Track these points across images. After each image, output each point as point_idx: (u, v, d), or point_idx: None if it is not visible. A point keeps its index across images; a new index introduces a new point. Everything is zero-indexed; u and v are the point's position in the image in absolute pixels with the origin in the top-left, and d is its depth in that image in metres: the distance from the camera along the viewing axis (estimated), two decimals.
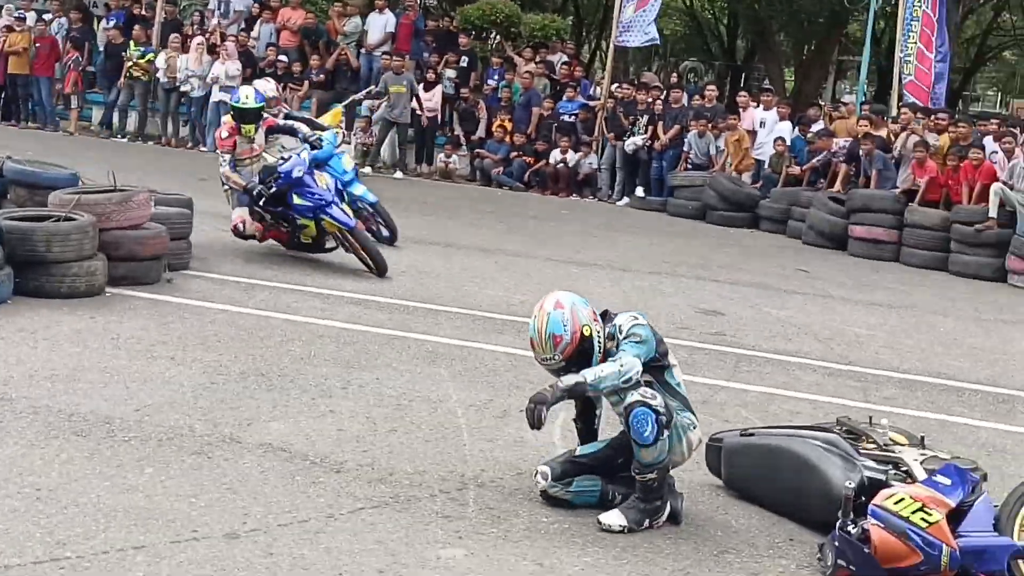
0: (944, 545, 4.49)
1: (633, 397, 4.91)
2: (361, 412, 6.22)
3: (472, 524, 4.87)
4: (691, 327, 9.25)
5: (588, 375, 4.88)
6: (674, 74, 28.57)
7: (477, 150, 19.31)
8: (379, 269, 10.00)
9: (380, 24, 20.19)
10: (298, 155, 9.90)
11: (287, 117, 11.68)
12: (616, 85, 19.24)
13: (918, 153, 14.77)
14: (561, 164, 18.44)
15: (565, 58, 21.18)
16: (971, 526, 4.62)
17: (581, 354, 4.99)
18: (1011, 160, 14.10)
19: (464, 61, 20.31)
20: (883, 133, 15.82)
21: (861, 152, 15.41)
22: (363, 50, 20.29)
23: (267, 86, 12.04)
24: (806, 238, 15.62)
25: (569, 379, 4.91)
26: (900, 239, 14.77)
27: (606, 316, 5.18)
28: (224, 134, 10.25)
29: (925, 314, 11.20)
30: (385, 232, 11.56)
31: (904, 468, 5.05)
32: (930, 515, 4.55)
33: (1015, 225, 13.61)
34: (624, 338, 5.03)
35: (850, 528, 4.58)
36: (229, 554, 4.34)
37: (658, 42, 21.64)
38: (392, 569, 4.36)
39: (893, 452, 5.16)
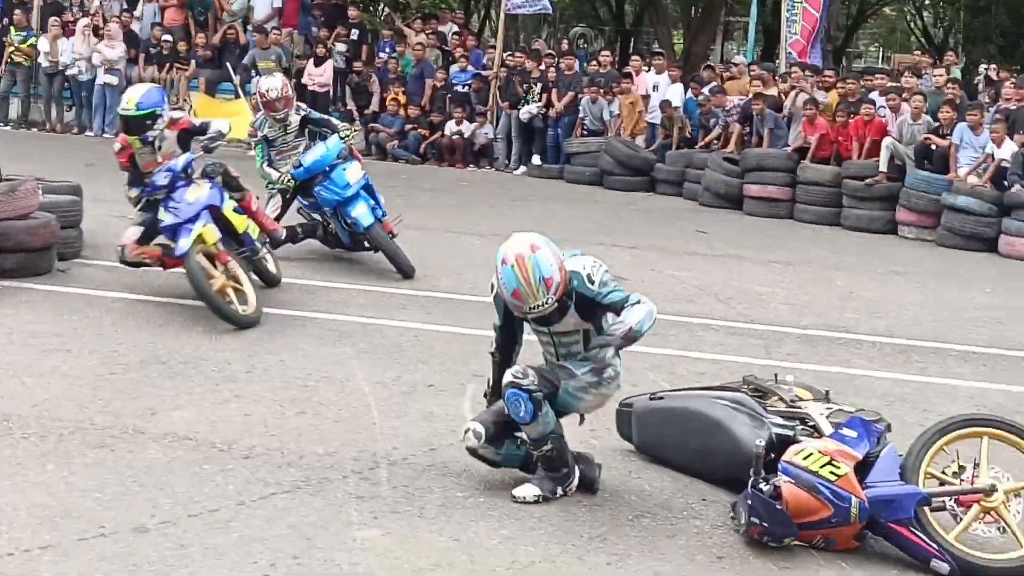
0: (853, 497, 4.57)
1: (506, 378, 4.91)
2: (267, 396, 6.12)
3: (387, 503, 4.83)
4: None
5: (631, 321, 4.78)
6: (564, 40, 28.57)
7: (371, 124, 19.12)
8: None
9: (266, 0, 19.85)
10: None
11: (305, 121, 10.10)
12: (508, 54, 19.17)
13: (808, 111, 14.97)
14: (457, 135, 18.35)
15: (456, 28, 21.05)
16: (878, 476, 4.70)
17: (566, 293, 4.86)
18: (898, 116, 14.37)
19: (354, 35, 20.06)
20: (773, 92, 16.01)
21: (753, 111, 15.58)
22: (250, 27, 19.93)
23: (273, 83, 10.17)
24: (702, 199, 15.76)
25: (619, 329, 4.78)
26: (794, 196, 14.98)
27: None
28: (116, 147, 8.20)
29: (821, 269, 11.39)
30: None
31: (811, 423, 5.13)
32: (838, 468, 4.63)
33: (904, 178, 13.89)
34: (601, 286, 4.91)
35: (762, 486, 4.63)
36: (139, 549, 4.24)
37: (550, 10, 21.61)
38: (308, 554, 4.30)
39: (799, 408, 5.23)
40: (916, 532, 4.56)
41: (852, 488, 4.60)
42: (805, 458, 4.69)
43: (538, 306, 4.79)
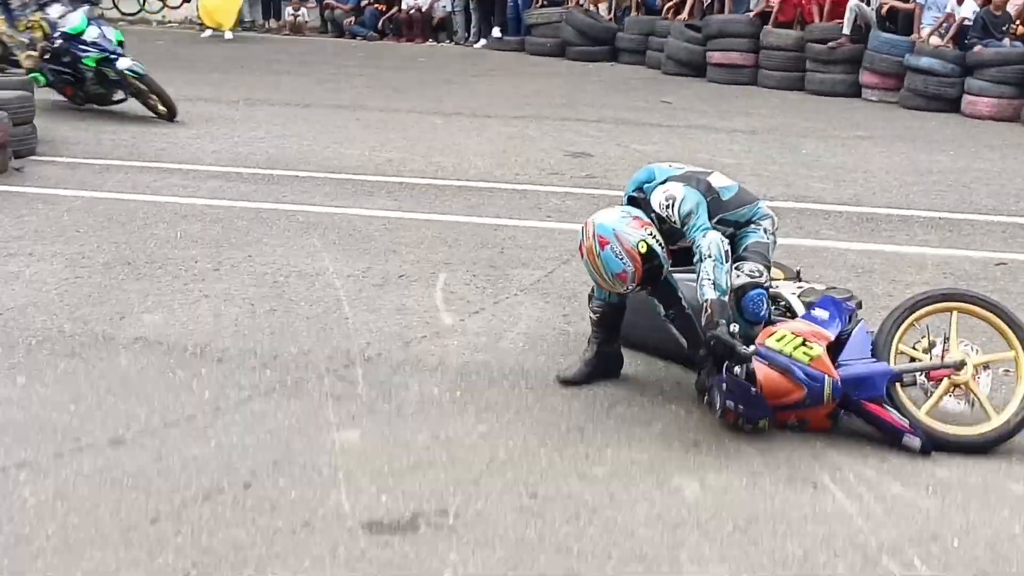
0: (826, 377, 4.60)
1: (741, 280, 4.84)
2: (237, 294, 6.07)
3: (364, 403, 4.82)
4: (561, 171, 9.21)
5: (709, 291, 4.62)
6: None
7: (327, 1, 18.70)
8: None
9: None
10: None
11: None
12: None
13: None
14: (414, 9, 18.00)
15: None
16: (850, 355, 4.74)
17: (650, 269, 4.77)
18: None
19: None
20: None
21: None
22: None
23: None
24: (665, 68, 15.62)
25: (712, 306, 4.61)
26: (757, 62, 14.86)
27: (640, 202, 4.93)
28: None
29: (787, 136, 11.34)
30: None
31: (783, 303, 5.14)
32: (811, 349, 4.66)
33: (867, 41, 13.77)
34: (682, 225, 4.78)
35: (736, 369, 4.65)
36: (117, 461, 4.22)
37: None
38: (287, 459, 4.29)
39: (771, 287, 5.23)
40: (888, 409, 4.62)
41: (825, 368, 4.63)
42: (779, 340, 4.71)
43: (623, 292, 4.85)
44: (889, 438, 4.62)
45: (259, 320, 5.71)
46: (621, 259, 4.72)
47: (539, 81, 14.49)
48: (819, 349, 4.67)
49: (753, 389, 4.61)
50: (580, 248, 4.85)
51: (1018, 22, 12.94)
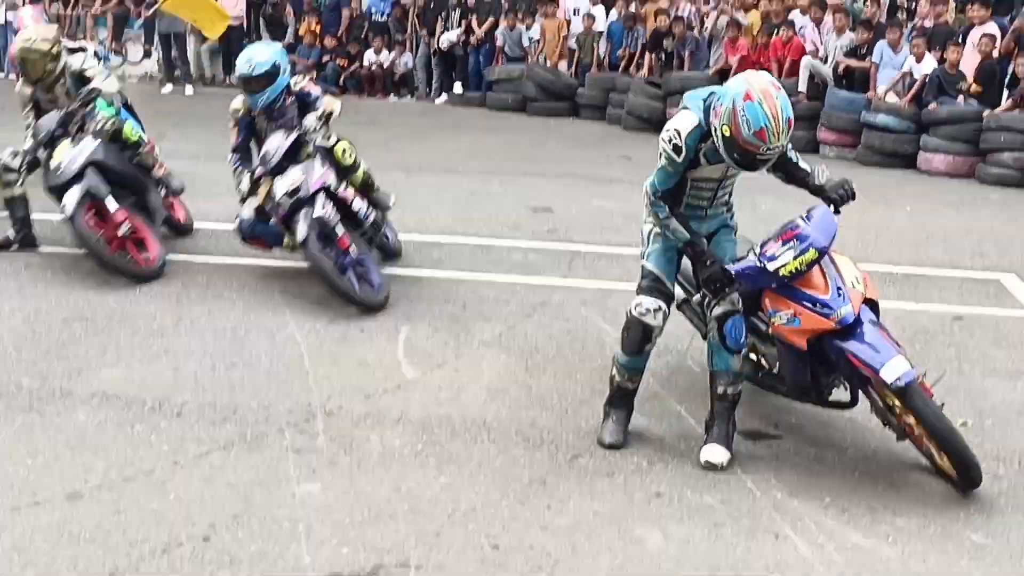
0: (850, 305, 4.68)
1: (719, 309, 4.90)
2: (197, 349, 6.04)
3: (325, 456, 4.80)
4: (523, 226, 9.25)
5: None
6: None
7: (289, 56, 18.80)
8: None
9: None
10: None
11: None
12: None
13: (730, 32, 14.98)
14: (376, 65, 18.11)
15: None
16: None
17: None
18: (822, 32, 14.43)
19: None
20: (684, 12, 15.99)
21: (674, 34, 15.55)
22: None
23: None
24: (626, 123, 15.75)
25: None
26: None
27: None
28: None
29: (745, 193, 11.34)
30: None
31: None
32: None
33: (824, 98, 13.97)
34: None
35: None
36: (75, 516, 4.18)
37: None
38: (248, 512, 4.27)
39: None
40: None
41: (856, 302, 4.70)
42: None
43: (776, 148, 4.56)
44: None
45: (219, 375, 5.69)
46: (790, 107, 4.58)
47: (501, 136, 14.59)
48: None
49: (769, 266, 4.69)
50: (744, 97, 4.49)
51: (972, 81, 13.18)
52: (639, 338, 5.06)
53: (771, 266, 4.69)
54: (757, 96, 4.50)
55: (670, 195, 4.95)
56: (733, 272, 4.76)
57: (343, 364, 5.90)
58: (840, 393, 5.12)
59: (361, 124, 15.16)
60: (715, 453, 4.92)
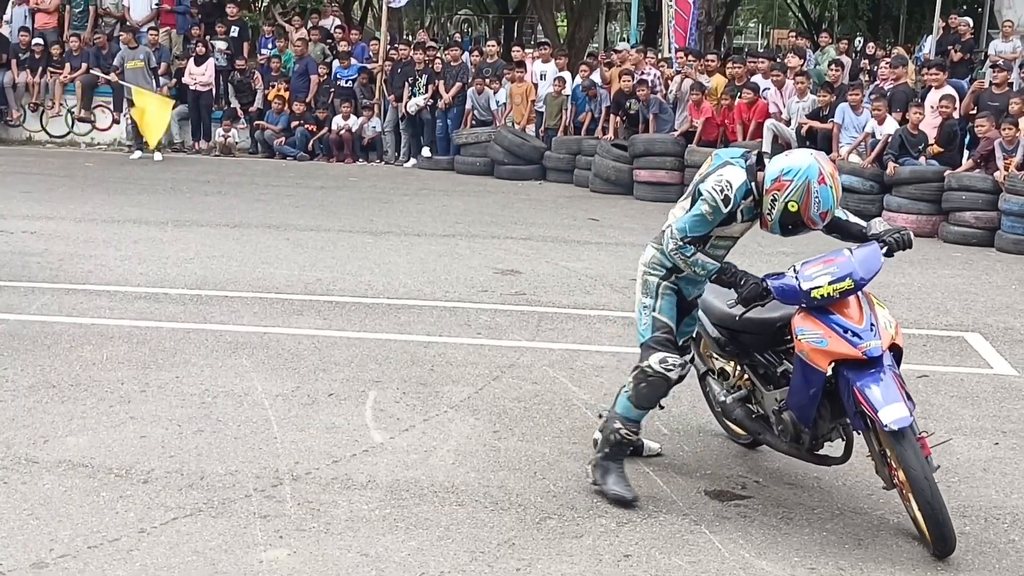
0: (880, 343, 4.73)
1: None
2: (163, 415, 6.00)
3: (292, 521, 4.77)
4: (491, 288, 9.28)
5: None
6: (448, 24, 28.50)
7: (256, 122, 18.88)
8: None
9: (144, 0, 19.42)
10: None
11: None
12: (392, 47, 19.03)
13: (694, 95, 15.18)
14: (344, 130, 18.22)
15: (338, 22, 20.90)
16: None
17: None
18: (784, 95, 14.64)
19: (234, 32, 19.75)
20: (649, 75, 16.20)
21: (638, 96, 15.74)
22: (124, 27, 19.47)
23: None
24: (593, 186, 15.90)
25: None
26: (683, 180, 15.17)
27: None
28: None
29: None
30: None
31: None
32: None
33: None
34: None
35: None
36: None
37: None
38: None
39: None
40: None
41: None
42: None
43: (829, 215, 4.82)
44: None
45: (186, 441, 5.65)
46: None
47: (469, 200, 14.67)
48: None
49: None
50: (819, 180, 4.74)
51: (933, 142, 13.39)
52: (660, 394, 5.16)
53: (805, 285, 4.75)
54: (830, 181, 4.76)
55: (700, 241, 5.02)
56: (770, 287, 4.84)
57: (311, 429, 5.88)
58: (830, 449, 5.13)
59: (329, 188, 15.25)
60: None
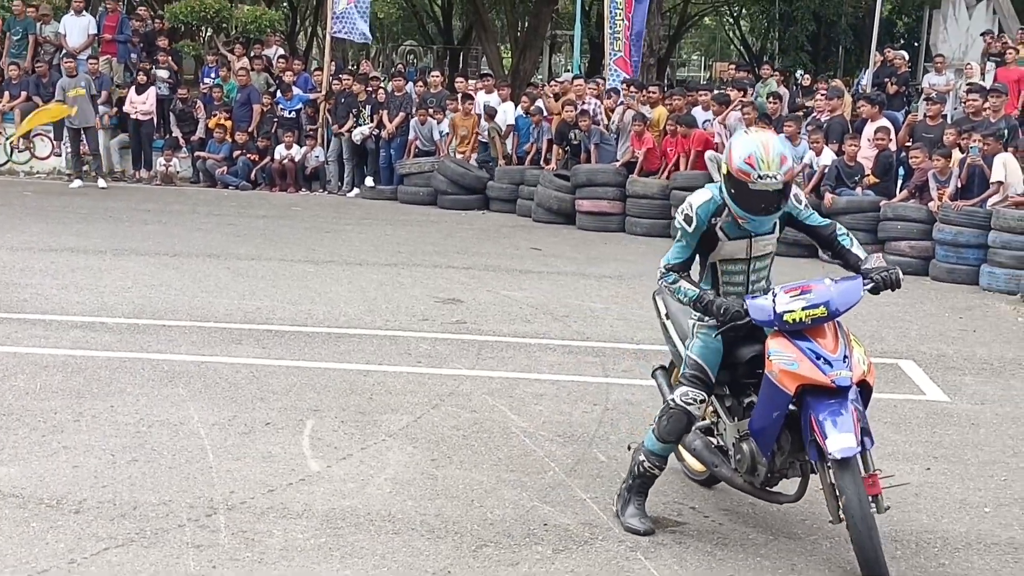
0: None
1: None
2: (97, 445, 5.93)
3: (225, 551, 4.73)
4: (432, 317, 9.28)
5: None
6: (394, 55, 28.55)
7: (198, 152, 18.78)
8: None
9: (80, 26, 19.21)
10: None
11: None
12: (335, 78, 18.99)
13: (636, 126, 15.31)
14: (287, 159, 18.16)
15: (281, 51, 20.87)
16: None
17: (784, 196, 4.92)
18: (727, 122, 14.83)
19: (177, 60, 19.65)
20: (591, 105, 16.34)
21: (580, 127, 15.85)
22: (65, 55, 19.29)
23: None
24: (536, 215, 15.97)
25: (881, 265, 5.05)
26: (624, 209, 15.30)
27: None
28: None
29: (653, 282, 11.56)
30: None
31: None
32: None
33: None
34: (805, 207, 5.14)
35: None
36: None
37: (370, 40, 21.71)
38: None
39: None
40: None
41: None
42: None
43: (769, 176, 4.75)
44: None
45: (119, 470, 5.59)
46: (787, 153, 4.87)
47: (411, 229, 14.68)
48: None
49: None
50: (742, 134, 4.93)
51: (869, 172, 13.60)
52: (682, 428, 5.16)
53: (780, 308, 4.79)
54: (752, 131, 4.96)
55: (681, 267, 5.09)
56: (748, 306, 4.87)
57: (247, 458, 5.84)
58: (783, 487, 5.16)
59: (272, 218, 15.19)
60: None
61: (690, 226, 4.97)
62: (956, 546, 5.16)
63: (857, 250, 5.16)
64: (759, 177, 4.75)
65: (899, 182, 13.77)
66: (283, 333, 8.51)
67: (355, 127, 17.90)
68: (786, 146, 4.84)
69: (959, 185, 12.64)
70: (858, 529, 4.55)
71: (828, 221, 5.23)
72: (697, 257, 5.13)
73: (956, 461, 6.34)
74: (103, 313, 8.89)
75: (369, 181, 17.99)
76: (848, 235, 5.18)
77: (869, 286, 4.98)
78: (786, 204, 4.96)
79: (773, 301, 4.84)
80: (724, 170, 4.86)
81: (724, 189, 4.89)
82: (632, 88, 16.70)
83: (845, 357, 4.76)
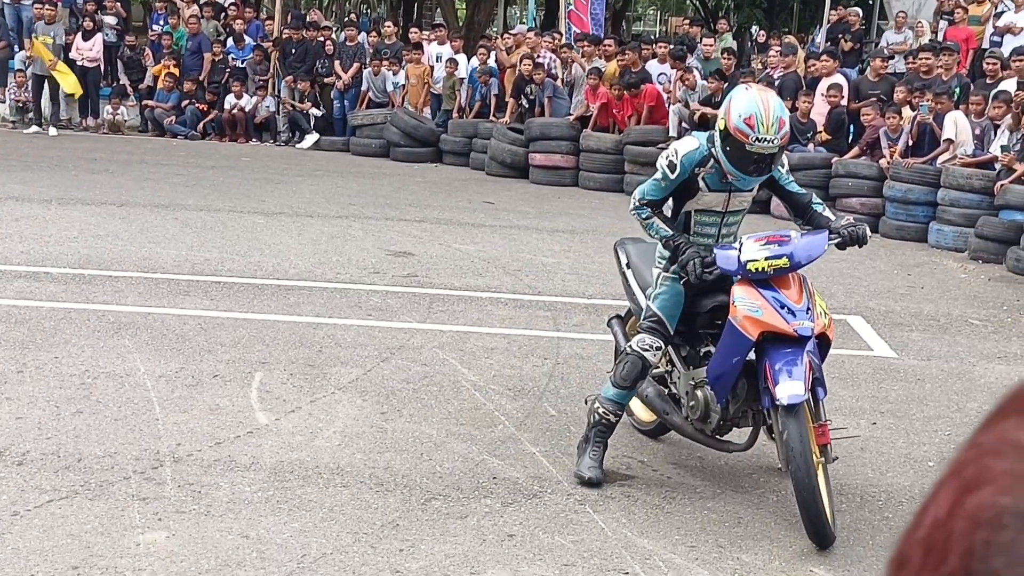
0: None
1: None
2: (41, 396, 5.85)
3: (171, 503, 4.69)
4: (383, 270, 9.23)
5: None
6: (347, 3, 28.20)
7: (146, 100, 18.50)
8: None
9: None
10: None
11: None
12: (286, 28, 18.75)
13: (590, 80, 15.24)
14: (237, 109, 17.93)
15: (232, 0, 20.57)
16: None
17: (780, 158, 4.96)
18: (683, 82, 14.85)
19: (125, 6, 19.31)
20: (545, 59, 16.25)
21: (535, 81, 15.76)
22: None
23: None
24: (489, 169, 15.88)
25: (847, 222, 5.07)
26: (578, 164, 15.25)
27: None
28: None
29: (606, 237, 11.57)
30: None
31: None
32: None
33: None
34: (788, 173, 5.19)
35: None
36: None
37: None
38: (88, 563, 4.14)
39: None
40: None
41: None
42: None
43: (765, 140, 4.73)
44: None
45: (64, 422, 5.52)
46: (786, 113, 4.86)
47: (363, 181, 14.55)
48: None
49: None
50: (743, 91, 4.90)
51: (821, 129, 13.64)
52: (636, 373, 5.17)
53: (744, 257, 4.81)
54: (752, 90, 4.88)
55: (655, 204, 5.08)
56: (715, 255, 4.89)
57: (194, 410, 5.79)
58: (735, 436, 5.19)
59: (221, 168, 15.01)
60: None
61: (672, 172, 4.96)
62: (900, 499, 5.23)
63: (829, 214, 5.19)
64: (757, 140, 4.73)
65: (850, 139, 13.84)
66: (232, 285, 8.42)
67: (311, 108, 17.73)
68: (784, 109, 4.81)
69: (910, 143, 12.71)
70: (799, 476, 4.59)
71: (806, 191, 5.27)
72: (671, 200, 5.14)
73: (902, 416, 6.41)
74: (48, 263, 8.75)
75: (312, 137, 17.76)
76: (823, 204, 5.21)
77: (836, 240, 5.02)
78: (775, 167, 4.98)
79: (739, 250, 4.86)
80: (720, 124, 4.83)
81: (717, 143, 4.86)
82: (586, 44, 16.61)
83: (808, 309, 4.80)
